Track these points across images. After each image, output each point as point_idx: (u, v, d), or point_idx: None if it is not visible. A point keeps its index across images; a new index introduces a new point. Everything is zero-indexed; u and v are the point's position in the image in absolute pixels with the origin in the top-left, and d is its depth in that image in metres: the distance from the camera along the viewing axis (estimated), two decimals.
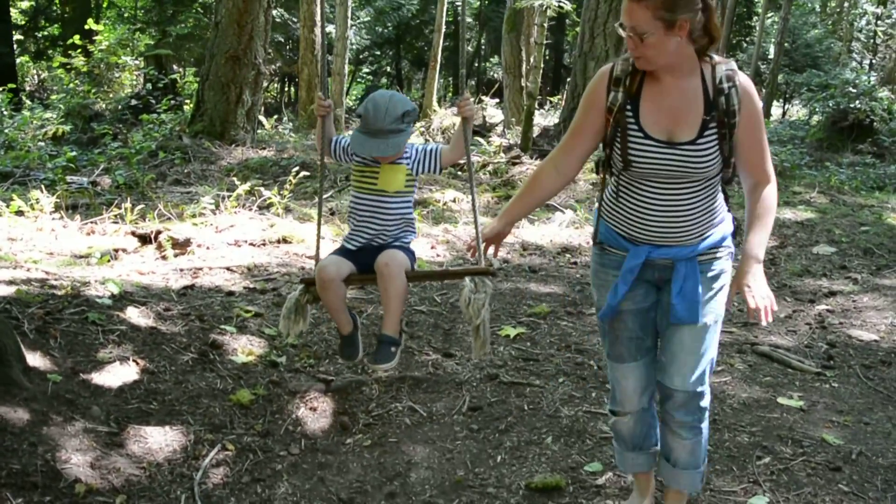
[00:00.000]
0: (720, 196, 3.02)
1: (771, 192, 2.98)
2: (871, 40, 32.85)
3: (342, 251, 3.67)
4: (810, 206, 10.79)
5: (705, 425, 3.17)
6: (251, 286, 6.11)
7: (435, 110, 18.04)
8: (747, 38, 33.02)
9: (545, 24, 13.64)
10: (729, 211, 3.10)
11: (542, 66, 14.88)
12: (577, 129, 3.06)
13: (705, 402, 3.11)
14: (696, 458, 3.20)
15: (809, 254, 8.42)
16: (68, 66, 15.99)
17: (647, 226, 2.96)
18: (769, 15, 28.92)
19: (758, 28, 27.60)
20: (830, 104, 17.53)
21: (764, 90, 27.33)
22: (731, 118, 2.79)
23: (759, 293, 2.88)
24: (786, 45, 25.35)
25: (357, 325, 3.79)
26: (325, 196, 9.60)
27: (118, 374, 4.26)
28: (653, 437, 3.37)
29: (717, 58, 2.83)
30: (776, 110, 30.46)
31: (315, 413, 4.38)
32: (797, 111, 29.17)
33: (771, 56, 27.58)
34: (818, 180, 12.86)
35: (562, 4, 12.36)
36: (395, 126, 3.35)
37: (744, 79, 2.81)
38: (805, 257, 8.29)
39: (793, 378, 5.14)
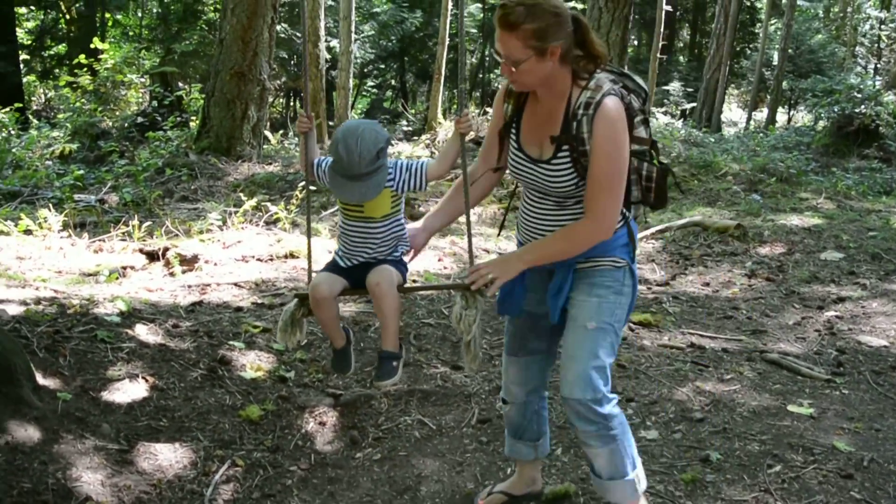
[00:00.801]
0: None
1: (580, 227, 2.97)
2: (876, 45, 32.87)
3: (334, 266, 3.61)
4: (817, 212, 10.79)
5: (619, 433, 3.10)
6: (259, 301, 6.12)
7: (440, 122, 18.05)
8: (751, 45, 33.08)
9: None
10: (625, 227, 3.08)
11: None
12: (487, 140, 3.28)
13: (606, 409, 3.05)
14: (616, 467, 3.15)
15: (817, 260, 8.41)
16: (75, 85, 16.06)
17: (527, 232, 3.18)
18: (772, 21, 28.95)
19: (761, 35, 27.63)
20: (835, 109, 17.54)
21: (769, 96, 27.35)
22: (581, 145, 2.86)
23: (482, 266, 3.10)
24: (789, 51, 25.39)
25: (350, 339, 3.74)
26: (329, 211, 9.63)
27: (128, 391, 4.27)
28: (533, 431, 3.56)
29: (595, 82, 2.86)
30: (781, 116, 30.46)
31: (324, 428, 4.38)
32: (802, 117, 29.17)
33: (775, 62, 27.61)
34: (825, 186, 12.86)
35: None
36: (371, 167, 3.26)
37: (606, 108, 2.80)
38: (813, 263, 8.27)
39: (802, 385, 5.13)
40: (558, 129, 2.92)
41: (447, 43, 19.37)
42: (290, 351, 5.17)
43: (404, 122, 22.83)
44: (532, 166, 3.02)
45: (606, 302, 3.04)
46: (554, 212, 3.07)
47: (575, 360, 3.04)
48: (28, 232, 7.58)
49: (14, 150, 12.39)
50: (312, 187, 3.60)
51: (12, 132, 13.57)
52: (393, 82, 33.17)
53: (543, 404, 3.54)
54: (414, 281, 7.00)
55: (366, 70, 30.47)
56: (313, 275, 3.69)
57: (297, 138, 17.89)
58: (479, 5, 29.61)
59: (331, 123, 18.17)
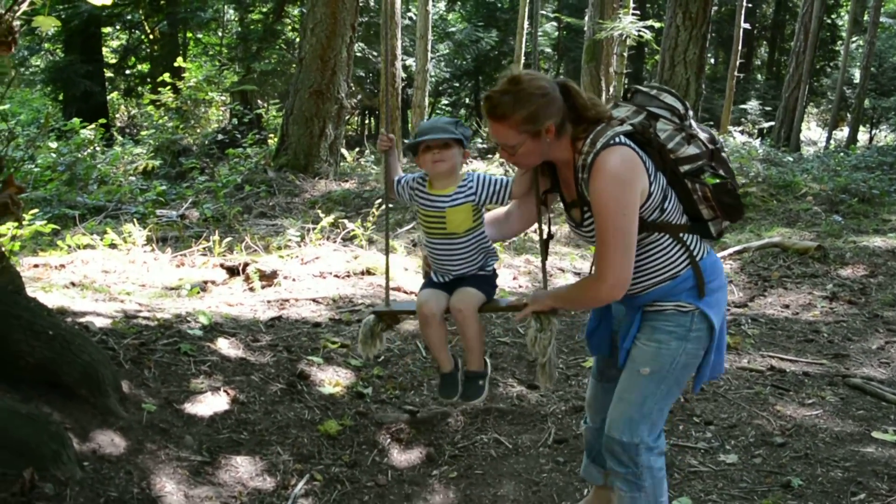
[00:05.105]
0: (663, 253, 2.97)
1: (588, 283, 3.00)
2: None
3: (431, 282, 3.62)
4: None
5: (648, 486, 3.06)
6: (337, 317, 6.19)
7: None
8: (831, 63, 32.49)
9: (625, 54, 13.60)
10: (689, 268, 2.98)
11: (621, 95, 14.85)
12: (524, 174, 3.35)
13: (642, 458, 3.03)
14: None
15: None
16: (157, 103, 16.45)
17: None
18: (854, 39, 28.40)
19: (842, 53, 27.12)
20: None
21: (850, 115, 26.81)
22: (591, 207, 2.87)
23: (528, 298, 3.27)
24: (872, 69, 24.87)
25: (458, 365, 3.71)
26: (406, 228, 9.70)
27: (210, 403, 4.35)
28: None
29: (590, 141, 2.83)
30: (862, 135, 29.84)
31: (401, 444, 4.41)
32: (885, 136, 28.55)
33: (857, 81, 27.07)
34: None
35: (642, 33, 12.32)
36: (448, 127, 3.37)
37: (597, 167, 2.78)
38: None
39: (887, 411, 5.00)
40: (574, 195, 2.98)
41: (522, 61, 19.41)
42: (369, 366, 5.23)
43: (479, 140, 22.91)
44: (577, 230, 3.09)
45: (666, 348, 2.98)
46: None
47: (622, 402, 3.06)
48: (113, 246, 7.78)
49: (99, 165, 12.74)
50: (390, 203, 3.61)
51: (97, 148, 13.94)
52: (467, 101, 33.32)
53: None
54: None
55: (441, 88, 30.70)
56: (417, 292, 3.71)
57: (372, 156, 18.09)
58: (554, 24, 29.63)
59: (405, 141, 18.34)
